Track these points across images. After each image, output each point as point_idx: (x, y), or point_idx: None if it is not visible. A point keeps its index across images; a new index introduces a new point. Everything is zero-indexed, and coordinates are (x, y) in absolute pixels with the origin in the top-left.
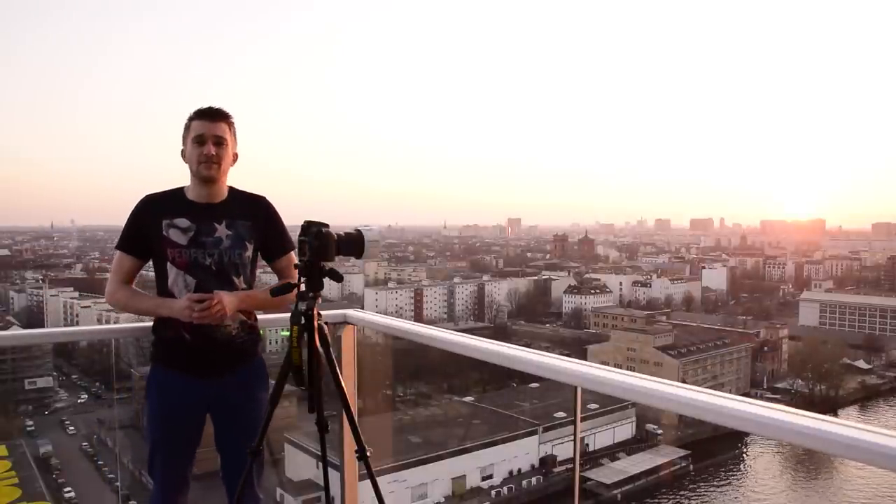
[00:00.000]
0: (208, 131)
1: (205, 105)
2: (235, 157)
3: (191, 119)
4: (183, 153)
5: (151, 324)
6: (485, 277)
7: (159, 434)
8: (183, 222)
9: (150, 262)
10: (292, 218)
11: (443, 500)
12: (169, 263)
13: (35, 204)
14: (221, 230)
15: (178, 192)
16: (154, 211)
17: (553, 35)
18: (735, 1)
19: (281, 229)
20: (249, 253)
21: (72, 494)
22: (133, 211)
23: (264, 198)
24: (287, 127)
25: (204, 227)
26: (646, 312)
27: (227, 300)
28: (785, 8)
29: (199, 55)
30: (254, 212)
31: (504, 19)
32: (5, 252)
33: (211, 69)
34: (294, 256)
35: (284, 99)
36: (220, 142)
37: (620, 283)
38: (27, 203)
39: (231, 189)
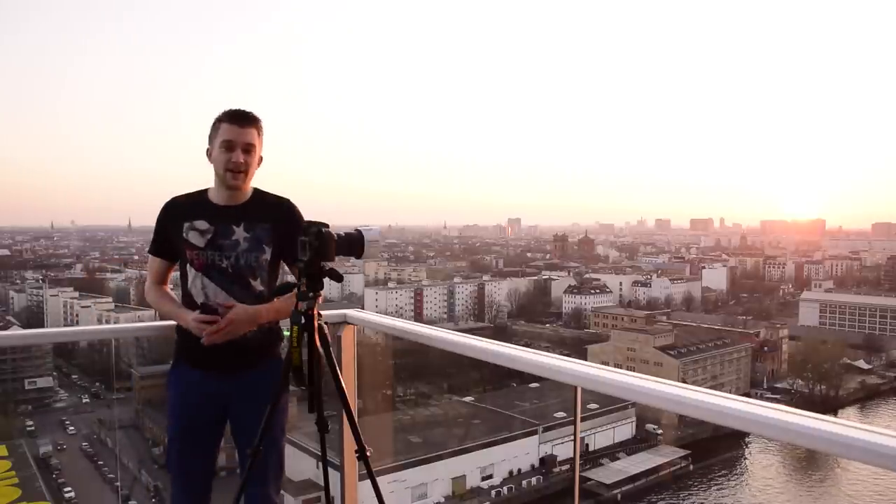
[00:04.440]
0: (238, 137)
1: (234, 107)
2: (261, 159)
3: (220, 120)
4: (208, 153)
5: (153, 324)
6: (485, 277)
7: (176, 427)
8: (202, 224)
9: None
10: None
11: (443, 500)
12: (188, 265)
13: (35, 204)
14: (239, 232)
15: (202, 194)
16: (175, 214)
17: (553, 35)
18: (736, 1)
19: None
20: (268, 256)
21: (72, 494)
22: (158, 215)
23: (288, 200)
24: (287, 127)
25: (221, 229)
26: (646, 312)
27: (244, 317)
28: (784, 8)
29: (200, 55)
30: (275, 214)
31: (505, 20)
32: (5, 252)
33: (212, 69)
34: None
35: (285, 99)
36: (248, 149)
37: (620, 283)
38: (27, 203)
39: (256, 191)
